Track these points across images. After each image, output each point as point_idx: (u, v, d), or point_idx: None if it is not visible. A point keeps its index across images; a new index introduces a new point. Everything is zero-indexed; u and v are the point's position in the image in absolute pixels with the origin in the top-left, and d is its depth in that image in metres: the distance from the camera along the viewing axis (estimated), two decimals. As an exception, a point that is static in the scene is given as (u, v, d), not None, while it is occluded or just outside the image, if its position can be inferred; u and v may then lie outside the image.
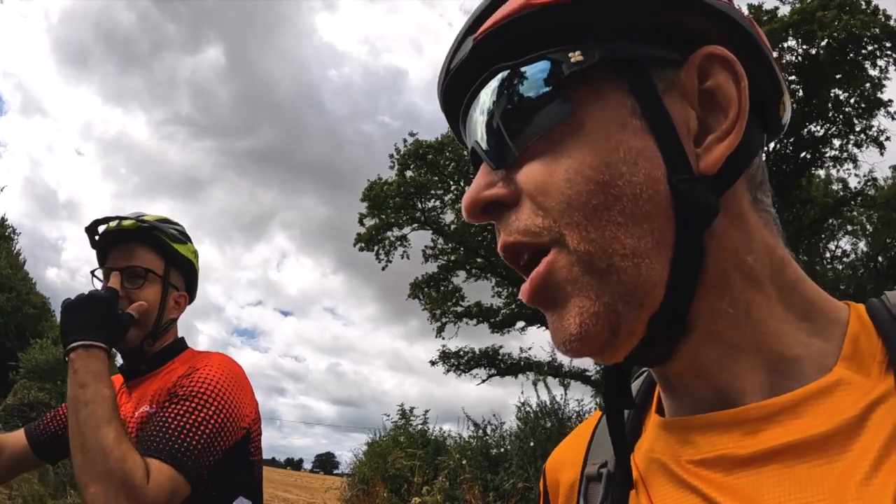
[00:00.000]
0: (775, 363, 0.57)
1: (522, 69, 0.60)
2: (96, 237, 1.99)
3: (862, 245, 20.81)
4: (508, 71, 0.61)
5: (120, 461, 1.51)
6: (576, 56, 0.57)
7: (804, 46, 14.87)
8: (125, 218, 1.98)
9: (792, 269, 0.60)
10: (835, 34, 14.39)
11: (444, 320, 21.83)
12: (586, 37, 0.58)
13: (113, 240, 1.97)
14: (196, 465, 1.64)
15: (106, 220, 1.98)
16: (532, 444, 10.14)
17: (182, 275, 2.07)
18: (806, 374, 0.56)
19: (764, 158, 0.65)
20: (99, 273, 1.99)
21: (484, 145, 0.63)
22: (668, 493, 0.60)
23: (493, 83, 0.62)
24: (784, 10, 15.70)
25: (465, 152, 0.69)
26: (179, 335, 2.08)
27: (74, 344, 1.66)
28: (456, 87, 0.67)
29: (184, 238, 2.07)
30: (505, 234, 0.62)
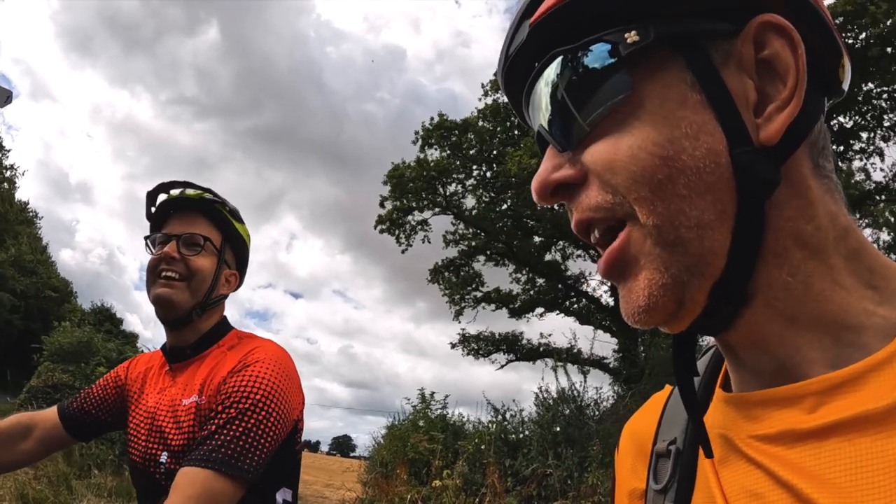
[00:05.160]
0: (839, 334, 0.57)
1: (580, 52, 0.61)
2: (153, 206, 2.01)
3: (883, 235, 20.55)
4: (567, 55, 0.62)
5: None
6: (632, 36, 0.58)
7: (850, 40, 14.59)
8: (189, 185, 1.99)
9: (855, 236, 0.60)
10: (883, 28, 14.11)
11: (462, 304, 21.90)
12: (641, 15, 0.59)
13: (175, 207, 1.98)
14: (255, 468, 1.63)
15: (169, 186, 1.99)
16: (557, 428, 10.17)
17: (235, 254, 2.06)
18: (869, 344, 0.56)
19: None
20: (150, 240, 1.99)
21: (549, 128, 0.64)
22: (733, 467, 0.61)
23: (553, 67, 0.63)
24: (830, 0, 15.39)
25: (532, 134, 0.70)
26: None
27: None
28: (516, 72, 0.68)
29: (241, 217, 2.07)
30: (577, 212, 0.63)
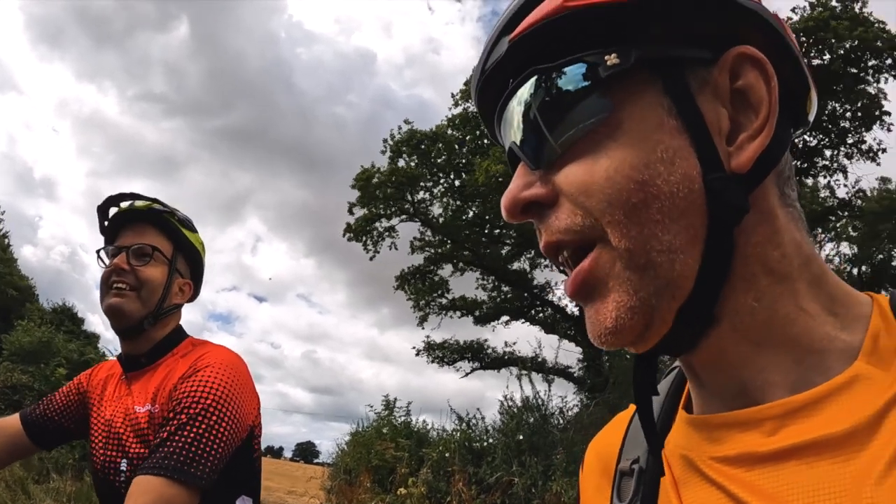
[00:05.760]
0: (801, 357, 0.58)
1: (557, 71, 0.61)
2: (106, 220, 2.01)
3: (843, 248, 20.91)
4: (544, 73, 0.62)
5: None
6: (612, 59, 0.58)
7: (816, 58, 14.89)
8: (138, 197, 2.01)
9: (817, 263, 0.61)
10: (846, 45, 14.45)
11: (427, 311, 21.86)
12: (621, 38, 0.59)
13: (124, 220, 1.99)
14: (208, 474, 1.63)
15: (118, 199, 2.01)
16: (521, 437, 10.21)
17: (188, 263, 2.07)
18: (831, 368, 0.57)
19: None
20: (103, 252, 2.00)
21: (521, 146, 0.64)
22: (694, 488, 0.62)
23: (528, 85, 0.63)
24: (794, 18, 15.66)
25: (503, 151, 0.70)
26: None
27: None
28: (491, 88, 0.68)
29: (193, 227, 2.09)
30: (547, 234, 0.63)
